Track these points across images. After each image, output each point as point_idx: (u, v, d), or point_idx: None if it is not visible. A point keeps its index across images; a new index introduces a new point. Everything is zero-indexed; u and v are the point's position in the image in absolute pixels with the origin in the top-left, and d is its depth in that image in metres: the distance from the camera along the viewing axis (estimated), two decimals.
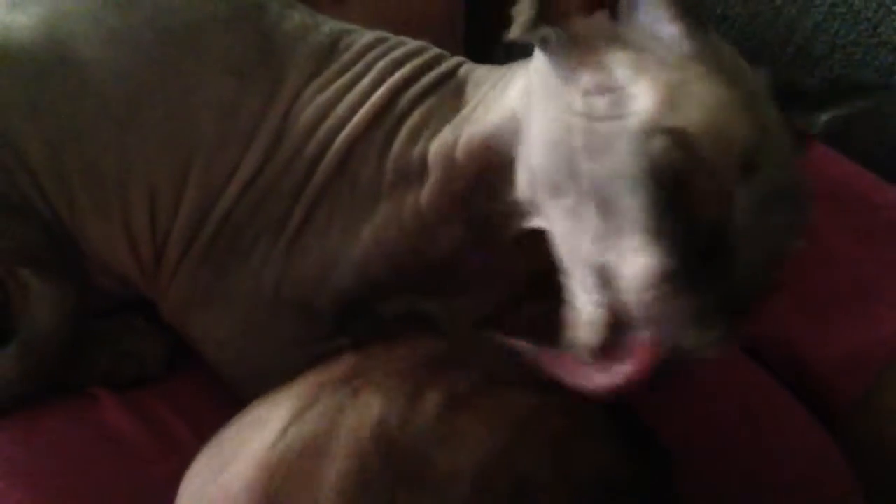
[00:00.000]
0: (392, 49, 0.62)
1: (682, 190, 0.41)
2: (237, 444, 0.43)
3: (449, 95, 0.59)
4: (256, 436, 0.42)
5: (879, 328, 0.65)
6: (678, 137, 0.41)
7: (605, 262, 0.43)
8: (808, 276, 0.67)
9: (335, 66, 0.61)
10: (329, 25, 0.64)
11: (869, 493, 0.58)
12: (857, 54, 0.76)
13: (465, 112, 0.57)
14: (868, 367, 0.63)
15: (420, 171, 0.57)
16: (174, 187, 0.60)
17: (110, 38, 0.60)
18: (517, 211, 0.53)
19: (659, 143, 0.41)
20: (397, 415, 0.41)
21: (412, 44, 0.63)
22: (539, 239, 0.50)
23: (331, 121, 0.60)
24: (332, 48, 0.62)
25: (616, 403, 0.44)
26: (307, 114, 0.60)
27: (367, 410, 0.41)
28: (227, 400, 0.50)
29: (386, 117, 0.59)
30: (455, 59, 0.61)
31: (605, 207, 0.43)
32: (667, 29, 0.45)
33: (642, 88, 0.44)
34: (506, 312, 0.58)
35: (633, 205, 0.42)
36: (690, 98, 0.42)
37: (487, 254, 0.57)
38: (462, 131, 0.56)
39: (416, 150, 0.57)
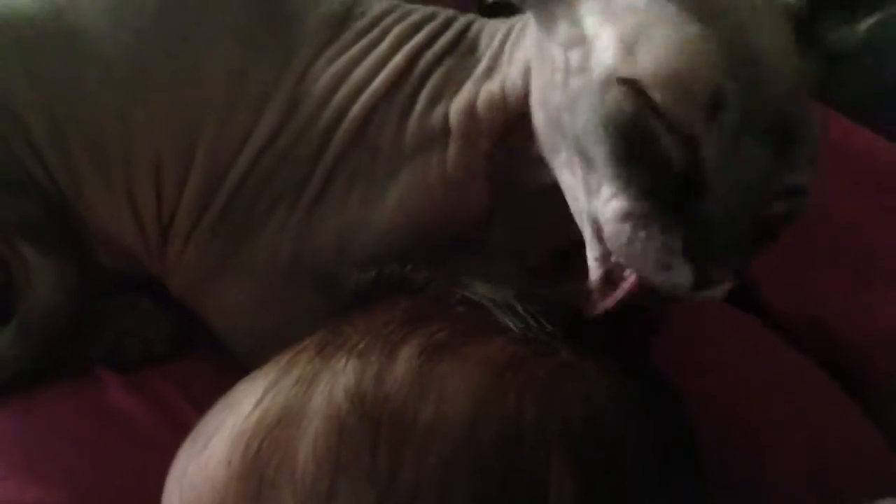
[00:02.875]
0: (407, 14, 0.60)
1: (642, 139, 0.41)
2: (216, 423, 0.42)
3: (465, 53, 0.57)
4: (233, 412, 0.41)
5: None
6: (632, 88, 0.41)
7: (594, 211, 0.44)
8: (839, 254, 0.66)
9: (350, 34, 0.60)
10: None
11: None
12: (888, 21, 0.73)
13: (482, 66, 0.56)
14: None
15: (443, 131, 0.55)
16: (181, 157, 0.58)
17: (114, 5, 0.59)
18: (540, 165, 0.51)
19: (613, 95, 0.41)
20: (372, 372, 0.39)
21: (425, 8, 0.61)
22: (562, 200, 0.49)
23: (347, 87, 0.58)
24: (346, 15, 0.61)
25: (621, 349, 0.44)
26: (322, 81, 0.58)
27: (340, 373, 0.40)
28: (233, 381, 0.48)
29: (405, 82, 0.57)
30: (467, 17, 0.60)
31: (587, 160, 0.44)
32: None
33: (605, 38, 0.43)
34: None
35: (601, 155, 0.42)
36: (650, 44, 0.41)
37: (515, 217, 0.55)
38: (482, 86, 0.55)
39: (438, 111, 0.56)
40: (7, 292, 0.59)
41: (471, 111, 0.55)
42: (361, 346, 0.41)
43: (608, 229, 0.43)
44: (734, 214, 0.40)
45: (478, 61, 0.56)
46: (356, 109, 0.57)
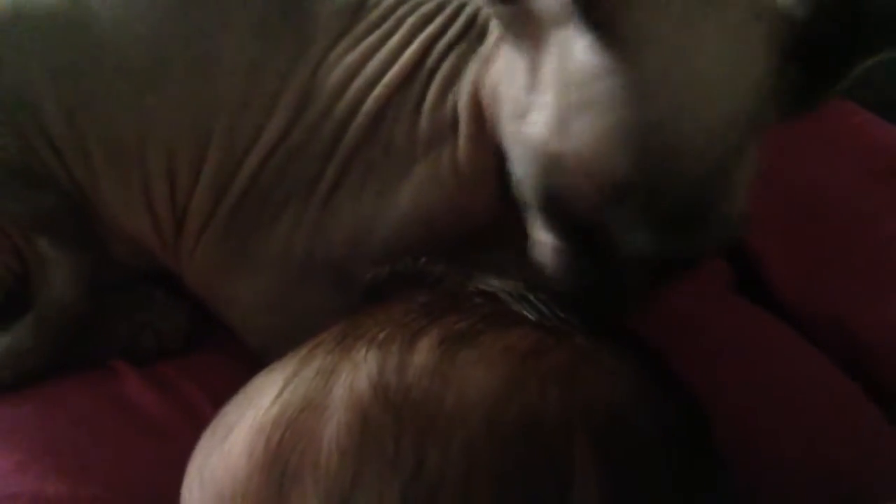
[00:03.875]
0: (420, 4, 0.60)
1: (558, 204, 0.45)
2: (236, 415, 0.42)
3: (474, 41, 0.56)
4: (253, 404, 0.41)
5: None
6: (554, 164, 0.44)
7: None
8: (860, 252, 0.65)
9: (363, 25, 0.59)
10: None
11: None
12: None
13: (485, 51, 0.55)
14: None
15: (453, 122, 0.55)
16: (195, 150, 0.58)
17: None
18: None
19: (539, 164, 0.45)
20: (393, 362, 0.39)
21: None
22: None
23: (361, 80, 0.58)
24: (359, 7, 0.60)
25: (641, 351, 0.45)
26: (336, 73, 0.58)
27: (362, 363, 0.40)
28: (249, 373, 0.48)
29: (418, 74, 0.57)
30: (476, 3, 0.59)
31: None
32: (581, 37, 0.43)
33: (547, 104, 0.45)
34: None
35: (532, 194, 0.48)
36: (579, 125, 0.43)
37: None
38: (485, 72, 0.54)
39: (448, 102, 0.56)
40: (24, 285, 0.60)
41: (475, 99, 0.54)
42: (381, 336, 0.41)
43: (538, 248, 0.49)
44: (635, 274, 0.45)
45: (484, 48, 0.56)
46: (370, 103, 0.57)
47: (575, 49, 0.44)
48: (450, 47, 0.57)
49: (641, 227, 0.43)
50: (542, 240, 0.48)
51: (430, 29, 0.58)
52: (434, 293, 0.46)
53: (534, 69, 0.46)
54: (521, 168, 0.48)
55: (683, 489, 0.40)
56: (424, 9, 0.59)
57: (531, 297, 0.44)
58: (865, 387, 0.59)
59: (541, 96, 0.45)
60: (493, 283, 0.46)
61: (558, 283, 0.47)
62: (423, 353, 0.40)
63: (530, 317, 0.43)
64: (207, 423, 0.45)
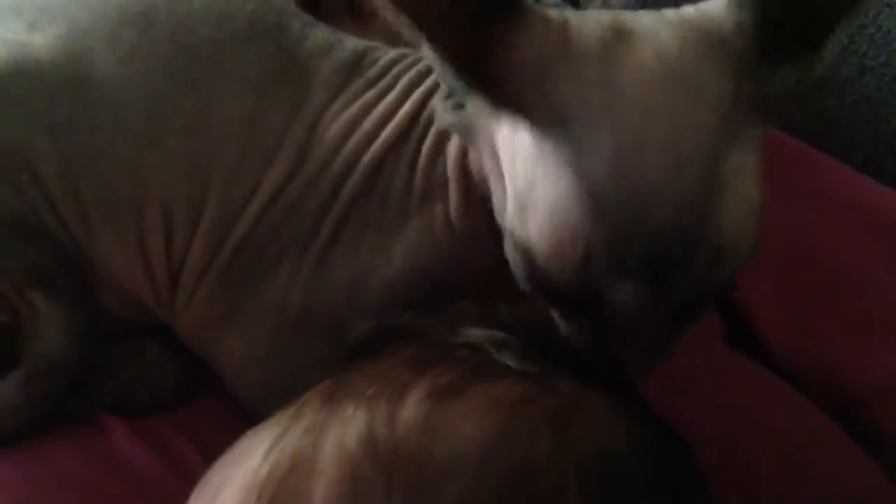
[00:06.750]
0: (416, 62, 0.61)
1: (541, 281, 0.45)
2: (224, 475, 0.41)
3: None
4: (241, 465, 0.40)
5: None
6: (523, 248, 0.45)
7: None
8: (847, 304, 0.66)
9: (361, 82, 0.60)
10: (353, 42, 0.63)
11: None
12: (887, 75, 0.75)
13: None
14: None
15: (445, 181, 0.56)
16: (191, 205, 0.59)
17: (128, 54, 0.59)
18: None
19: (516, 253, 0.46)
20: (382, 417, 0.39)
21: None
22: None
23: (358, 136, 0.58)
24: (356, 64, 0.61)
25: (627, 395, 0.45)
26: (333, 129, 0.59)
27: (350, 420, 0.39)
28: (242, 428, 0.47)
29: (413, 130, 0.58)
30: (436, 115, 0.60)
31: None
32: (514, 126, 0.44)
33: (509, 192, 0.46)
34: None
35: None
36: (533, 207, 0.44)
37: None
38: None
39: (441, 161, 0.56)
40: (11, 338, 0.59)
41: (461, 162, 0.55)
42: (369, 392, 0.41)
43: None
44: (631, 328, 0.44)
45: None
46: (367, 158, 0.58)
47: (516, 139, 0.45)
48: None
49: (626, 282, 0.42)
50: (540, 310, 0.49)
51: (425, 85, 0.59)
52: (420, 346, 0.46)
53: (497, 166, 0.47)
54: (509, 258, 0.48)
55: None
56: (420, 66, 0.60)
57: (517, 349, 0.45)
58: (856, 436, 0.59)
59: (507, 182, 0.46)
60: (477, 335, 0.46)
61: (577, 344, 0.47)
62: (412, 406, 0.39)
63: (514, 367, 0.43)
64: (198, 480, 0.44)
